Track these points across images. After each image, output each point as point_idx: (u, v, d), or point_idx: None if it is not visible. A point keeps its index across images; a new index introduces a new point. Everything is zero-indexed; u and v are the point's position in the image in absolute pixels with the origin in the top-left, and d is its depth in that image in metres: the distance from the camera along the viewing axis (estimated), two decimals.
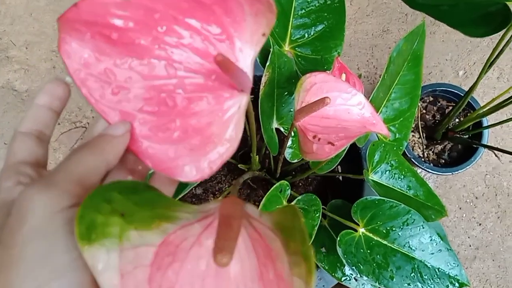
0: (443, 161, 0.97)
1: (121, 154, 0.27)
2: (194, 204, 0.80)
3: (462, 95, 0.94)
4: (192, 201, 0.79)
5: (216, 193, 0.80)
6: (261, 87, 0.54)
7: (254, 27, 0.27)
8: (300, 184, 0.83)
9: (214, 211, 0.26)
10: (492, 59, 0.65)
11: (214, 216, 0.25)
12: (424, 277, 0.56)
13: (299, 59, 0.59)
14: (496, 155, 1.05)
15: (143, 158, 0.27)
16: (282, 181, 0.56)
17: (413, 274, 0.56)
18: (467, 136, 0.95)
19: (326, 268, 0.61)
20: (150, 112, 0.27)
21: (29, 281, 0.20)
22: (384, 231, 0.57)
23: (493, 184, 1.11)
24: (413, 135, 0.97)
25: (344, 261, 0.54)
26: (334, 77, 0.42)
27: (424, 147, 0.97)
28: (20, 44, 1.13)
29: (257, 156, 0.66)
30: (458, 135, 0.92)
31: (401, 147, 0.66)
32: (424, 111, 0.99)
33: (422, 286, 0.55)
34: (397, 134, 0.65)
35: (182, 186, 0.55)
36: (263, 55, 0.56)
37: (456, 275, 0.57)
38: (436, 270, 0.56)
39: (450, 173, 0.92)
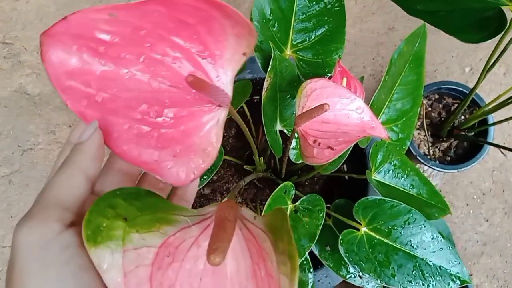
0: (449, 158, 0.98)
1: (98, 159, 0.27)
2: (203, 203, 0.82)
3: (467, 92, 0.94)
4: (200, 201, 0.81)
5: (224, 192, 0.82)
6: (263, 91, 0.55)
7: (235, 47, 0.28)
8: (307, 183, 0.84)
9: (212, 214, 0.28)
10: (496, 56, 0.65)
11: (211, 219, 0.27)
12: (426, 274, 0.57)
13: (301, 62, 0.60)
14: (502, 152, 1.05)
15: (127, 159, 0.28)
16: (287, 182, 0.58)
17: (414, 272, 0.57)
18: (472, 133, 0.96)
19: (331, 266, 0.63)
20: (134, 120, 0.28)
21: None
22: (386, 230, 0.58)
23: (500, 180, 1.12)
24: (418, 133, 0.98)
25: (346, 259, 0.55)
26: (333, 83, 0.44)
27: (430, 144, 0.98)
28: (32, 49, 1.16)
29: (262, 157, 0.68)
30: (464, 133, 0.92)
31: (404, 147, 0.67)
32: (429, 108, 1.00)
33: (423, 284, 0.56)
34: (400, 134, 0.66)
35: None
36: (265, 60, 0.58)
37: (458, 272, 0.58)
38: (438, 268, 0.58)
39: (456, 170, 0.93)
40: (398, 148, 0.66)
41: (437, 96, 1.00)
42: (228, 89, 0.29)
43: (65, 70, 0.27)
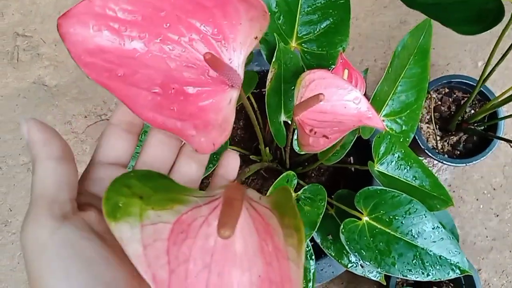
0: (458, 152, 0.98)
1: (52, 138, 0.26)
2: None
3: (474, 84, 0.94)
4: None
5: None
6: (268, 82, 0.57)
7: (248, 30, 0.30)
8: (313, 174, 0.86)
9: (220, 195, 0.29)
10: (505, 51, 0.65)
11: (219, 200, 0.29)
12: (426, 264, 0.58)
13: (306, 54, 0.61)
14: (511, 146, 1.04)
15: (154, 125, 0.29)
16: (289, 171, 0.59)
17: (415, 261, 0.58)
18: (482, 127, 0.95)
19: (333, 254, 0.64)
20: (155, 93, 0.29)
21: None
22: (387, 219, 0.59)
23: (511, 175, 1.11)
24: (427, 127, 0.98)
25: (347, 247, 0.57)
26: (331, 74, 0.45)
27: (439, 138, 0.98)
28: (50, 41, 1.19)
29: (267, 148, 0.70)
30: (473, 127, 0.92)
31: (408, 139, 0.67)
32: (439, 102, 1.00)
33: (423, 272, 0.57)
34: (403, 126, 0.67)
35: None
36: (270, 51, 0.59)
37: (458, 262, 0.58)
38: (438, 257, 0.58)
39: (464, 165, 0.93)
40: (401, 140, 0.67)
41: (447, 90, 1.00)
42: (240, 71, 0.31)
43: (86, 48, 0.28)
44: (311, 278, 0.61)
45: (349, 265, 0.64)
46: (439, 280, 0.90)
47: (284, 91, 0.59)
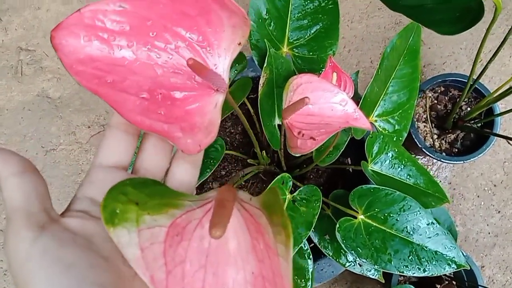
0: (456, 150, 0.99)
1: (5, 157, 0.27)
2: None
3: (472, 83, 0.95)
4: None
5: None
6: (260, 87, 0.58)
7: (232, 37, 0.32)
8: (312, 176, 0.87)
9: (212, 198, 0.31)
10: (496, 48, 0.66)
11: (212, 203, 0.30)
12: (422, 259, 0.59)
13: (297, 59, 0.63)
14: (509, 143, 1.05)
15: (142, 128, 0.30)
16: (284, 173, 0.61)
17: (411, 257, 0.59)
18: (479, 124, 0.96)
19: (330, 254, 0.65)
20: (143, 98, 0.31)
21: None
22: (382, 217, 0.60)
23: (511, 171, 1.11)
24: (425, 126, 0.99)
25: (343, 245, 0.58)
26: (318, 78, 0.46)
27: (436, 137, 0.99)
28: (52, 54, 1.22)
29: (264, 151, 0.71)
30: (469, 124, 0.93)
31: (401, 138, 0.69)
32: (435, 101, 1.01)
33: (419, 268, 0.58)
34: (396, 126, 0.68)
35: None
36: (261, 57, 0.61)
37: (454, 257, 0.59)
38: (434, 253, 0.59)
39: (462, 162, 0.94)
40: (395, 139, 0.68)
41: (442, 89, 1.01)
42: (225, 76, 0.32)
43: (77, 58, 0.29)
44: (310, 277, 0.62)
45: (347, 264, 0.66)
46: (440, 276, 0.91)
47: (277, 95, 0.61)
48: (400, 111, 0.68)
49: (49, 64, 1.22)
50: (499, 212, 1.10)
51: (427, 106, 1.00)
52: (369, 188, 0.59)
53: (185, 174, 0.35)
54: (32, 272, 0.23)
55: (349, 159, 0.89)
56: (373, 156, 0.65)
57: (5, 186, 0.26)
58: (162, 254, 0.26)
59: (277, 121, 0.64)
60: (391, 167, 0.66)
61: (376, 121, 0.68)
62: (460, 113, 0.98)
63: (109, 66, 0.30)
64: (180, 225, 0.28)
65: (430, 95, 1.01)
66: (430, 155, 0.94)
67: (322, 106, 0.46)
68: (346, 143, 0.68)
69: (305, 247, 0.63)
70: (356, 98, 0.65)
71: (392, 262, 0.58)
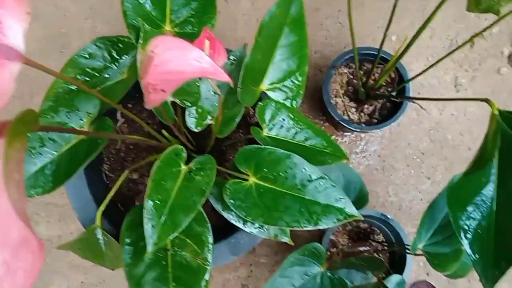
0: (376, 120, 1.02)
1: None
2: (131, 188, 0.87)
3: (385, 56, 0.99)
4: (129, 186, 0.86)
5: None
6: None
7: (19, 7, 0.34)
8: (231, 158, 0.89)
9: None
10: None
11: None
12: (313, 213, 0.61)
13: (179, 35, 0.66)
14: (421, 107, 1.09)
15: None
16: (177, 145, 0.63)
17: (302, 211, 0.61)
18: (395, 93, 1.00)
19: (234, 220, 0.67)
20: None
21: None
22: (272, 177, 0.62)
23: (437, 138, 1.15)
24: (342, 101, 1.03)
25: (232, 207, 0.59)
26: (173, 37, 0.49)
27: (354, 110, 1.02)
28: None
29: (168, 132, 0.73)
30: (380, 92, 0.96)
31: (295, 103, 0.71)
32: (351, 76, 1.04)
33: (309, 221, 0.60)
34: (288, 92, 0.71)
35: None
36: (137, 35, 0.63)
37: (344, 207, 0.61)
38: (325, 206, 0.61)
39: (379, 129, 0.97)
40: (289, 105, 0.71)
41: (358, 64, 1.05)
42: (18, 45, 0.34)
43: None
44: (209, 244, 0.63)
45: (246, 227, 0.67)
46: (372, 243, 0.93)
47: None
48: (292, 77, 0.71)
49: None
50: (429, 178, 1.14)
51: (344, 82, 1.03)
52: (251, 148, 0.62)
53: None
54: None
55: None
56: (267, 122, 0.67)
57: None
58: None
59: (170, 98, 0.66)
60: (287, 131, 0.68)
61: (268, 89, 0.70)
62: (373, 85, 1.01)
63: None
64: None
65: (345, 71, 1.04)
66: (349, 127, 0.97)
67: (178, 63, 0.48)
68: (242, 113, 0.70)
69: (202, 214, 0.65)
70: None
71: (283, 218, 0.60)
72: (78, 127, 0.65)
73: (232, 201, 0.60)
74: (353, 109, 1.02)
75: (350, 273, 0.71)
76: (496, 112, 0.52)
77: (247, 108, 0.76)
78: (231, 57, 0.74)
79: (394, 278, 0.76)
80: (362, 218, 0.62)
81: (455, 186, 0.55)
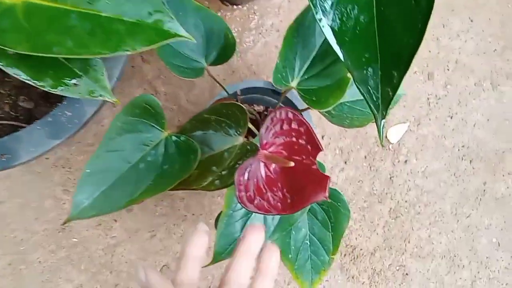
0: None
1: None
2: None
3: None
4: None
5: None
6: None
7: None
8: None
9: None
10: None
11: None
12: (111, 34, 0.40)
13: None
14: None
15: None
16: None
17: (94, 31, 0.40)
18: None
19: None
20: None
21: None
22: None
23: None
24: None
25: None
26: None
27: None
28: None
29: None
30: None
31: None
32: None
33: (105, 45, 0.40)
34: None
35: None
36: None
37: (162, 22, 0.41)
38: (131, 24, 0.41)
39: None
40: None
41: None
42: None
43: None
44: None
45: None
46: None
47: None
48: None
49: None
50: None
51: None
52: None
53: None
54: None
55: None
56: None
57: None
58: None
59: None
60: None
61: None
62: None
63: None
64: None
65: None
66: None
67: None
68: None
69: None
70: None
71: (63, 43, 0.39)
72: None
73: None
74: None
75: (207, 136, 0.51)
76: None
77: None
78: None
79: None
80: (191, 38, 0.42)
81: None
